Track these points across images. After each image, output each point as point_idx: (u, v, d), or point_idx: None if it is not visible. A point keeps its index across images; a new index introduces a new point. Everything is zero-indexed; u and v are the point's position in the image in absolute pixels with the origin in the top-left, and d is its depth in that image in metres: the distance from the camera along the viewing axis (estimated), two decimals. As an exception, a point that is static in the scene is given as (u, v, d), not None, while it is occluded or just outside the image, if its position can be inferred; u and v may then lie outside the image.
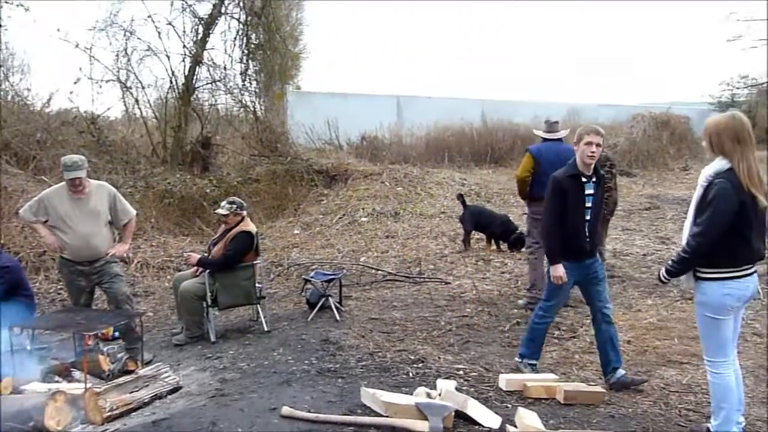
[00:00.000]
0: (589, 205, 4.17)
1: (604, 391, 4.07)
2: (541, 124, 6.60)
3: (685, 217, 3.38)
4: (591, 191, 4.18)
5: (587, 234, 4.17)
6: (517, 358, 4.52)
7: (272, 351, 5.01)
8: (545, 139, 6.23)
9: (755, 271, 3.26)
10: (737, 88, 35.01)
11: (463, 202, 9.13)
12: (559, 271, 4.12)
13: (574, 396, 3.96)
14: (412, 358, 4.74)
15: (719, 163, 3.16)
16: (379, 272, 7.57)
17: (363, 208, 11.11)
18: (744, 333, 5.14)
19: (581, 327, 5.47)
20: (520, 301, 6.35)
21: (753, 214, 3.13)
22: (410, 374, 4.43)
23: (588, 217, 4.17)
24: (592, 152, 4.06)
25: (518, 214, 10.05)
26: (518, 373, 4.37)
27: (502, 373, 4.37)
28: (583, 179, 4.15)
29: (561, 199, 4.13)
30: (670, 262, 3.34)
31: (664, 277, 3.37)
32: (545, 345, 5.03)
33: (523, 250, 7.99)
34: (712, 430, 3.34)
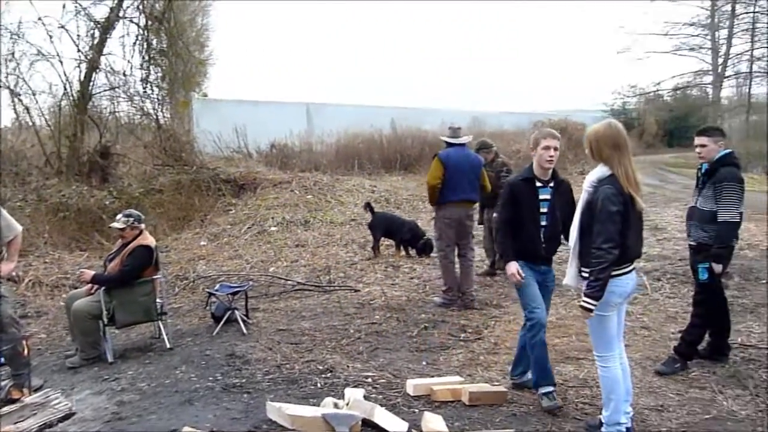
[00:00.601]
0: (544, 210, 3.98)
1: (506, 390, 4.19)
2: (446, 130, 6.76)
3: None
4: (547, 196, 4.00)
5: (542, 240, 4.00)
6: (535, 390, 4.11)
7: (174, 369, 4.82)
8: (450, 144, 6.41)
9: (634, 269, 3.45)
10: (627, 96, 37.47)
11: (371, 210, 9.19)
12: (512, 267, 3.92)
13: (479, 397, 4.05)
14: (321, 368, 4.70)
15: (601, 170, 3.34)
16: (288, 282, 7.47)
17: (272, 218, 10.96)
18: (633, 327, 5.47)
19: (486, 328, 5.62)
20: (436, 299, 6.46)
21: (632, 215, 3.33)
22: (318, 385, 4.39)
23: (544, 223, 3.98)
24: (551, 156, 3.91)
25: (427, 220, 10.23)
26: (425, 378, 4.43)
27: (409, 378, 4.40)
28: (538, 184, 3.98)
29: (513, 203, 4.00)
30: (586, 288, 3.30)
31: (590, 305, 3.26)
32: (452, 348, 5.17)
33: (432, 254, 8.15)
34: (603, 421, 3.51)
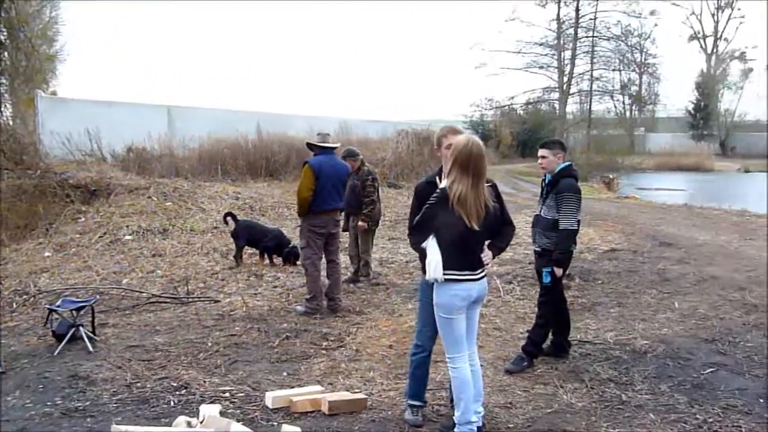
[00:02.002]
0: None
1: (366, 397, 4.23)
2: (314, 136, 6.75)
3: None
4: None
5: None
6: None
7: (6, 396, 4.35)
8: (318, 150, 6.38)
9: (482, 276, 3.62)
10: (485, 109, 39.80)
11: (234, 218, 8.96)
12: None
13: (338, 405, 4.06)
14: (175, 385, 4.47)
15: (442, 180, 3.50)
16: (143, 294, 7.05)
17: (127, 226, 10.30)
18: (486, 328, 5.77)
19: (348, 336, 5.66)
20: (299, 307, 6.40)
21: (460, 230, 3.46)
22: (172, 403, 4.17)
23: None
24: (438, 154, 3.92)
25: (292, 227, 10.15)
26: (285, 389, 4.37)
27: (269, 390, 4.32)
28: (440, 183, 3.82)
29: (418, 207, 3.87)
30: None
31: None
32: (313, 357, 5.14)
33: (298, 263, 8.07)
34: (456, 421, 3.65)
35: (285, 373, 4.78)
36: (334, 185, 6.29)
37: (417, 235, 3.64)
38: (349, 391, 4.36)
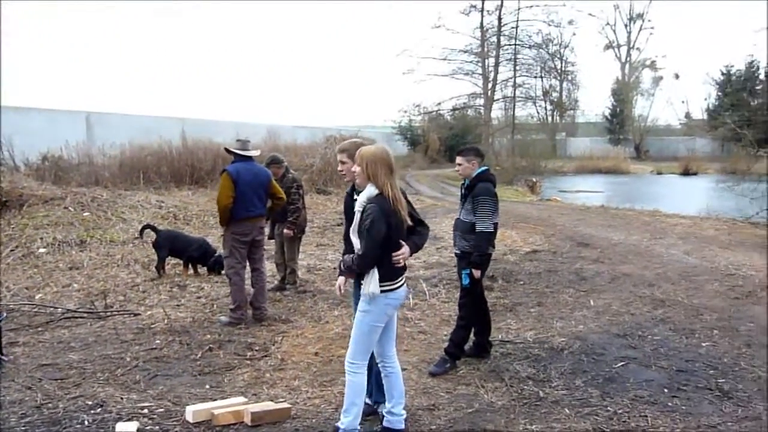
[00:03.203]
0: None
1: (290, 407, 4.21)
2: (233, 143, 6.65)
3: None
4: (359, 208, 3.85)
5: None
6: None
7: None
8: (237, 156, 6.30)
9: (404, 281, 3.70)
10: (413, 115, 40.34)
11: (154, 229, 8.72)
12: (340, 280, 3.84)
13: (261, 416, 4.01)
14: (90, 403, 4.30)
15: (369, 190, 3.53)
16: (57, 310, 6.73)
17: (41, 238, 9.84)
18: (411, 332, 5.86)
19: (273, 345, 5.60)
20: (223, 318, 6.28)
21: (400, 232, 3.57)
22: (86, 422, 4.01)
23: None
24: (340, 170, 3.93)
25: (218, 236, 9.95)
26: (207, 402, 4.28)
27: (190, 404, 4.22)
28: (356, 196, 3.78)
29: (345, 218, 3.89)
30: (347, 261, 3.59)
31: (343, 269, 3.64)
32: (237, 368, 5.06)
33: (223, 272, 7.92)
34: (342, 427, 3.60)
35: (207, 386, 4.69)
36: (255, 192, 6.22)
37: (373, 259, 3.48)
38: (273, 401, 4.32)
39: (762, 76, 44.61)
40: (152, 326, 6.15)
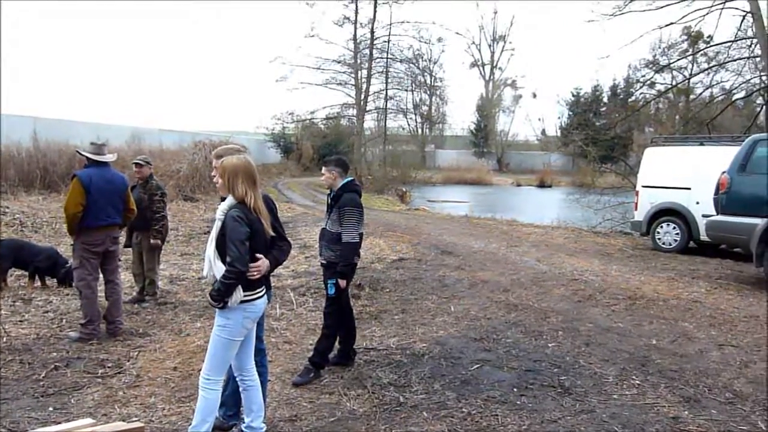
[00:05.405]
0: None
1: (143, 425, 4.00)
2: (87, 146, 6.20)
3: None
4: None
5: None
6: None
7: None
8: (91, 161, 5.91)
9: (263, 293, 3.67)
10: (286, 122, 40.10)
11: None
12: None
13: (110, 438, 3.79)
14: None
15: (231, 199, 3.48)
16: None
17: None
18: (277, 342, 5.81)
19: (128, 361, 5.31)
20: (72, 333, 5.86)
21: (261, 243, 3.54)
22: None
23: None
24: (212, 175, 3.79)
25: (70, 245, 9.24)
26: (50, 426, 3.97)
27: (30, 429, 3.89)
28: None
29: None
30: (213, 290, 3.42)
31: (211, 303, 3.44)
32: (86, 387, 4.75)
33: (74, 284, 7.39)
34: None
35: (51, 408, 4.34)
36: (109, 200, 5.87)
37: (244, 263, 3.39)
38: (124, 421, 4.09)
39: (605, 99, 49.23)
40: (-12, 345, 5.60)
